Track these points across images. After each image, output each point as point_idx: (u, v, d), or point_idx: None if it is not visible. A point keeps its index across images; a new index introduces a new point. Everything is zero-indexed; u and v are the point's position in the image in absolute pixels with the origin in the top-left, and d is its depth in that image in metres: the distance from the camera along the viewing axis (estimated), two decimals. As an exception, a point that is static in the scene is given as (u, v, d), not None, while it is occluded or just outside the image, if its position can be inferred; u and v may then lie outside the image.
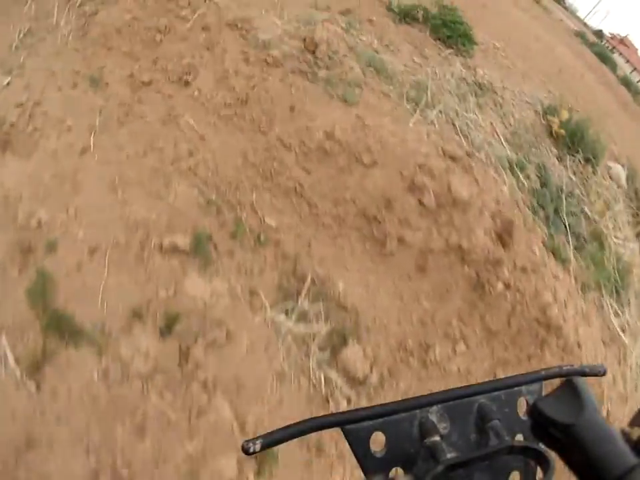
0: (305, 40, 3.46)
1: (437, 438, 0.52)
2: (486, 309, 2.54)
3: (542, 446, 0.48)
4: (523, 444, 0.51)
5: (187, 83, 3.01)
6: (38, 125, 2.62)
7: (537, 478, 0.56)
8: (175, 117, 2.81)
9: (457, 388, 0.57)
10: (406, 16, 4.25)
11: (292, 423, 0.50)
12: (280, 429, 0.49)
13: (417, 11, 4.26)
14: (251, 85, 3.00)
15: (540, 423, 0.47)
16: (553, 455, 0.48)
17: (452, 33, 4.14)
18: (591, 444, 0.43)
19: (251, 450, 0.47)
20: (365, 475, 0.52)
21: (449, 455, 0.50)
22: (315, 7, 4.05)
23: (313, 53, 3.36)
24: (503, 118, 3.94)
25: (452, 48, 4.21)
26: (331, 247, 2.56)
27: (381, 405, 0.53)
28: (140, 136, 2.67)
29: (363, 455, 0.52)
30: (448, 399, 0.55)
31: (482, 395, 0.57)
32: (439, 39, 4.19)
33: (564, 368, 0.61)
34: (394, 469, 0.53)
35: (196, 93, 2.99)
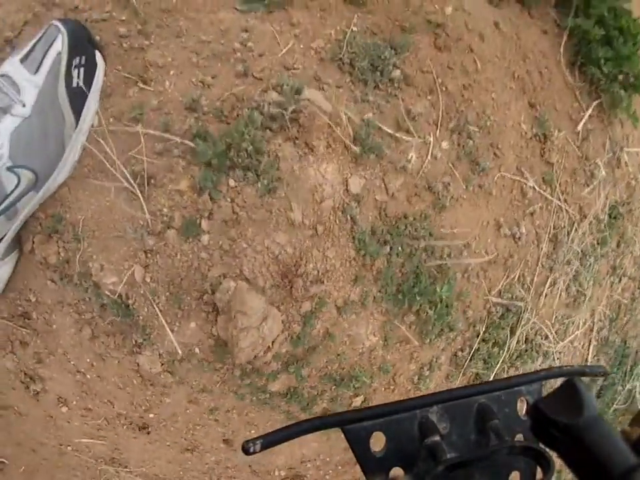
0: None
1: (437, 438, 0.52)
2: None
3: (542, 446, 0.48)
4: (523, 444, 0.52)
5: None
6: None
7: (536, 478, 0.56)
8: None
9: (457, 388, 0.57)
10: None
11: (292, 423, 0.51)
12: (280, 429, 0.50)
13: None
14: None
15: (540, 423, 0.47)
16: (553, 455, 0.48)
17: (612, 68, 1.46)
18: (591, 444, 0.44)
19: (251, 450, 0.47)
20: (365, 475, 0.52)
21: (449, 455, 0.50)
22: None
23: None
24: (613, 289, 1.95)
25: (599, 96, 1.61)
26: None
27: (381, 405, 0.53)
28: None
29: (362, 454, 0.52)
30: (448, 399, 0.56)
31: (482, 395, 0.57)
32: (580, 68, 1.53)
33: (564, 368, 0.62)
34: (394, 469, 0.53)
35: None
